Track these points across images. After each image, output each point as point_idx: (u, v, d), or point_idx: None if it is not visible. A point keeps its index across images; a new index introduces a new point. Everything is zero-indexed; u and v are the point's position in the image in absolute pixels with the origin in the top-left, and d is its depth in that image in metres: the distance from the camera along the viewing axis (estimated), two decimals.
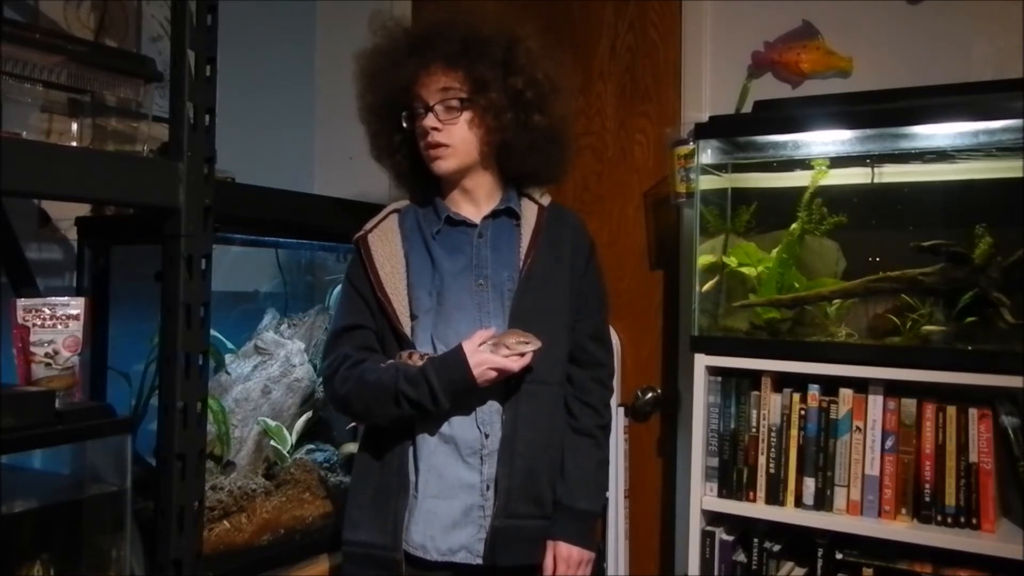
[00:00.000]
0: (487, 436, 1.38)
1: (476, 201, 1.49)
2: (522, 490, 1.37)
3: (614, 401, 1.98)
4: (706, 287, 1.76)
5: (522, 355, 1.33)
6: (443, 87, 1.41)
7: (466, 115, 1.42)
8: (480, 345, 1.33)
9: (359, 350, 1.42)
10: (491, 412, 1.39)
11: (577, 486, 1.42)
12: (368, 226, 1.49)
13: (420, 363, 1.35)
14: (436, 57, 1.41)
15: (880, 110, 1.57)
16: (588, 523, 1.45)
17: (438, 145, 1.42)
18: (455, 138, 1.42)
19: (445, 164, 1.43)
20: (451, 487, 1.38)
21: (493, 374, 1.33)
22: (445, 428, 1.38)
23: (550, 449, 1.42)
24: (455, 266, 1.43)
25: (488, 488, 1.37)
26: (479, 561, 1.37)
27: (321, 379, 1.75)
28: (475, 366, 1.31)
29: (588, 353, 1.49)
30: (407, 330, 1.40)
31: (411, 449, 1.40)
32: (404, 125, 1.46)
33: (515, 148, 1.46)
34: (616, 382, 2.01)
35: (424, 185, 1.53)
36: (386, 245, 1.45)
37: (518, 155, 1.48)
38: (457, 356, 1.32)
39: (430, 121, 1.41)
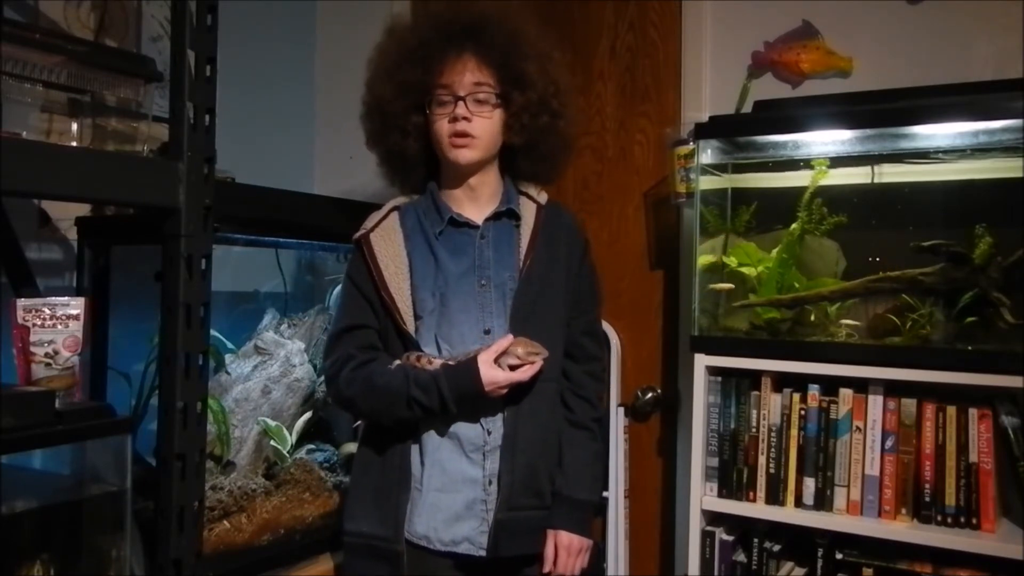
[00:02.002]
0: (489, 433, 1.40)
1: (479, 201, 1.49)
2: (523, 484, 1.39)
3: (614, 401, 1.99)
4: (719, 286, 1.76)
5: (531, 364, 1.36)
6: (476, 80, 1.42)
7: (497, 111, 1.44)
8: (497, 359, 1.35)
9: (362, 350, 1.43)
10: (493, 410, 1.41)
11: (575, 477, 1.45)
12: (369, 224, 1.48)
13: (428, 366, 1.37)
14: (470, 47, 1.42)
15: (880, 110, 1.57)
16: (586, 512, 1.48)
17: (465, 135, 1.42)
18: (482, 131, 1.42)
19: (469, 154, 1.43)
20: (454, 481, 1.40)
21: (504, 391, 1.36)
22: (449, 425, 1.40)
23: (549, 443, 1.45)
24: (459, 267, 1.44)
25: (490, 483, 1.40)
26: (482, 553, 1.39)
27: (323, 378, 1.75)
28: (487, 383, 1.34)
29: (582, 348, 1.52)
30: (411, 330, 1.41)
31: (414, 445, 1.42)
32: (428, 110, 1.45)
33: (537, 150, 1.49)
34: (616, 382, 2.02)
35: (423, 176, 1.53)
36: (389, 245, 1.45)
37: (535, 157, 1.50)
38: (470, 370, 1.34)
39: (462, 110, 1.41)
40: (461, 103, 1.41)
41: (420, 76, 1.43)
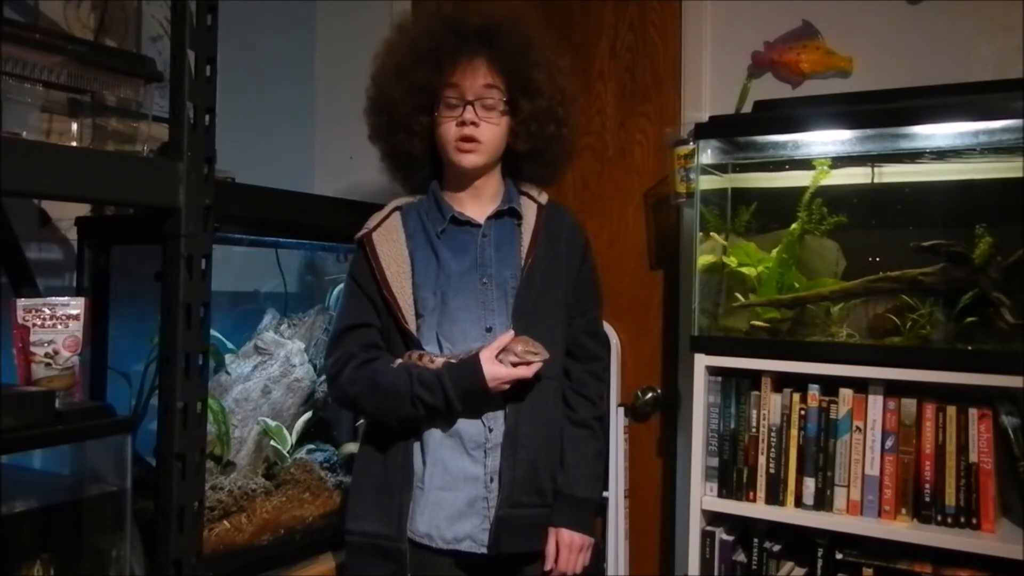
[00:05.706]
0: (491, 430, 1.41)
1: (481, 201, 1.50)
2: (525, 481, 1.40)
3: (614, 401, 1.99)
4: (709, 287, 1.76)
5: (529, 363, 1.36)
6: (486, 84, 1.42)
7: (505, 118, 1.45)
8: (498, 355, 1.36)
9: (364, 349, 1.44)
10: (494, 407, 1.41)
11: (577, 475, 1.46)
12: (371, 224, 1.49)
13: (430, 364, 1.38)
14: (483, 51, 1.42)
15: (880, 110, 1.57)
16: (587, 510, 1.49)
17: (472, 140, 1.42)
18: (488, 137, 1.43)
19: (474, 159, 1.44)
20: (456, 479, 1.41)
21: (507, 386, 1.37)
22: (450, 423, 1.41)
23: (550, 441, 1.45)
24: (461, 266, 1.45)
25: (492, 480, 1.40)
26: (483, 550, 1.40)
27: (323, 377, 1.75)
28: (490, 379, 1.34)
29: (584, 348, 1.53)
30: (413, 328, 1.42)
31: (416, 444, 1.43)
32: (435, 111, 1.45)
33: (541, 157, 1.51)
34: (616, 382, 2.02)
35: (426, 176, 1.54)
36: (391, 244, 1.46)
37: (539, 163, 1.52)
38: (473, 366, 1.35)
39: (470, 115, 1.41)
40: (470, 107, 1.41)
41: (431, 77, 1.43)
